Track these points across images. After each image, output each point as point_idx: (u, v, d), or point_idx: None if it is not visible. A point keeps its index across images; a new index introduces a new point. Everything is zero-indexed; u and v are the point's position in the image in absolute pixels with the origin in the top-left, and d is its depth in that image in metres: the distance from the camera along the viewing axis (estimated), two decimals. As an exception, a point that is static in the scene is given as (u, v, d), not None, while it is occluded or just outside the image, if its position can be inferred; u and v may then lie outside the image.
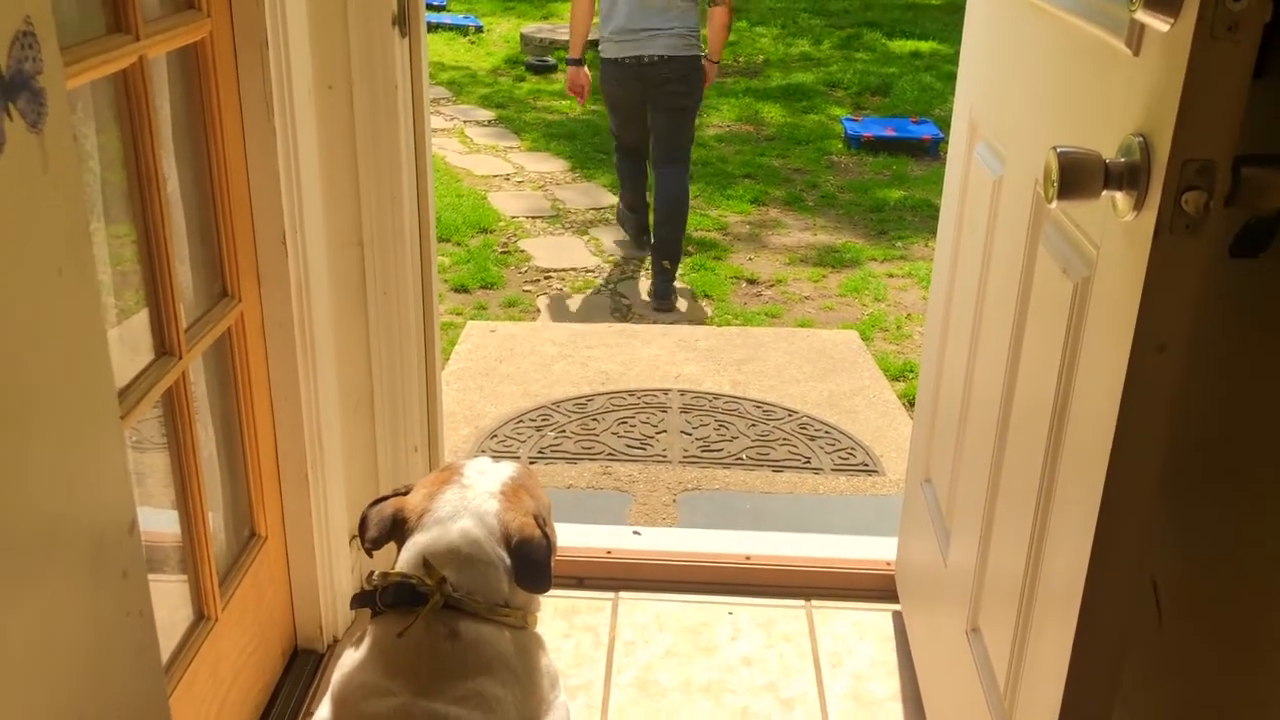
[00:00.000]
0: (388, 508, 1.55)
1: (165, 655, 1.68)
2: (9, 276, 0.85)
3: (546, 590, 1.50)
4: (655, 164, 4.93)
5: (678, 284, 4.99)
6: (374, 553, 1.58)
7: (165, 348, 1.64)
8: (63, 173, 0.89)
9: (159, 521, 1.74)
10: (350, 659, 1.46)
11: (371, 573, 1.49)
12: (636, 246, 5.41)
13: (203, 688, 1.76)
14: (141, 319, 1.64)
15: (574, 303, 4.89)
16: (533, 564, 1.48)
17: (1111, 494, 1.14)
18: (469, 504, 1.50)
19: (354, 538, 2.34)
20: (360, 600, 1.49)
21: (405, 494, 1.58)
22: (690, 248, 5.51)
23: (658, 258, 4.89)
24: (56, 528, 0.91)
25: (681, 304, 4.86)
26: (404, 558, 1.49)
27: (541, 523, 1.53)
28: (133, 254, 1.61)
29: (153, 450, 1.72)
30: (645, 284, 5.07)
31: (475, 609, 1.43)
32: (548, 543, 1.52)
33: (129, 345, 1.64)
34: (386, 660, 1.41)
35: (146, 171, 1.56)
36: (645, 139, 5.01)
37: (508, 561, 1.48)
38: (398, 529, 1.53)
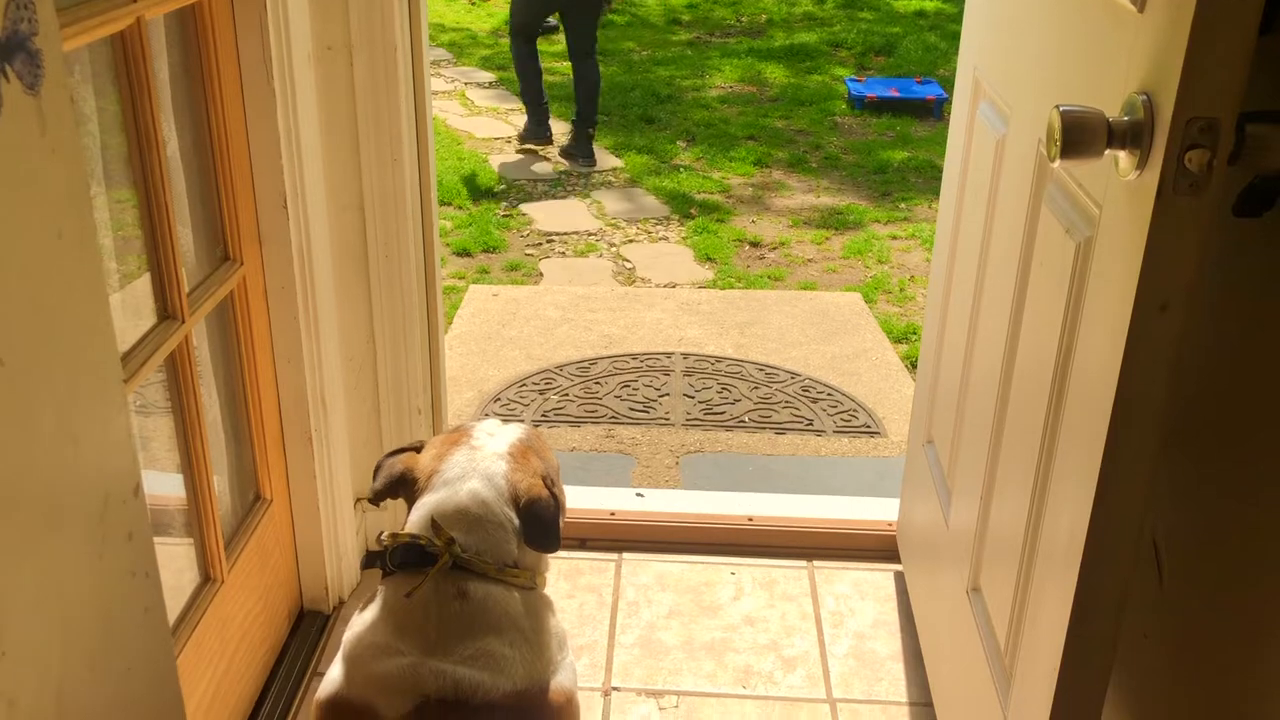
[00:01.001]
0: (398, 464, 1.55)
1: (172, 616, 1.69)
2: (9, 239, 0.85)
3: (555, 550, 1.51)
4: (577, 57, 6.18)
5: (674, 242, 4.99)
6: (380, 506, 1.59)
7: (168, 311, 1.65)
8: (61, 135, 0.89)
9: (165, 485, 1.75)
10: (360, 619, 1.47)
11: (381, 533, 1.50)
12: (542, 139, 6.36)
13: (210, 648, 1.78)
14: (144, 283, 1.64)
15: (576, 266, 4.88)
16: (542, 524, 1.49)
17: (1113, 454, 1.14)
18: (478, 465, 1.51)
19: (359, 500, 2.35)
20: (370, 561, 1.50)
21: (418, 449, 1.59)
22: (692, 210, 5.50)
23: (584, 127, 6.17)
24: (61, 490, 0.91)
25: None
26: (413, 518, 1.50)
27: (550, 483, 1.54)
28: (134, 218, 1.60)
29: (157, 414, 1.72)
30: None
31: (484, 569, 1.44)
32: (556, 503, 1.52)
33: (131, 309, 1.64)
34: (396, 620, 1.42)
35: (146, 135, 1.55)
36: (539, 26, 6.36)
37: (516, 522, 1.49)
38: (406, 487, 1.54)
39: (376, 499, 1.56)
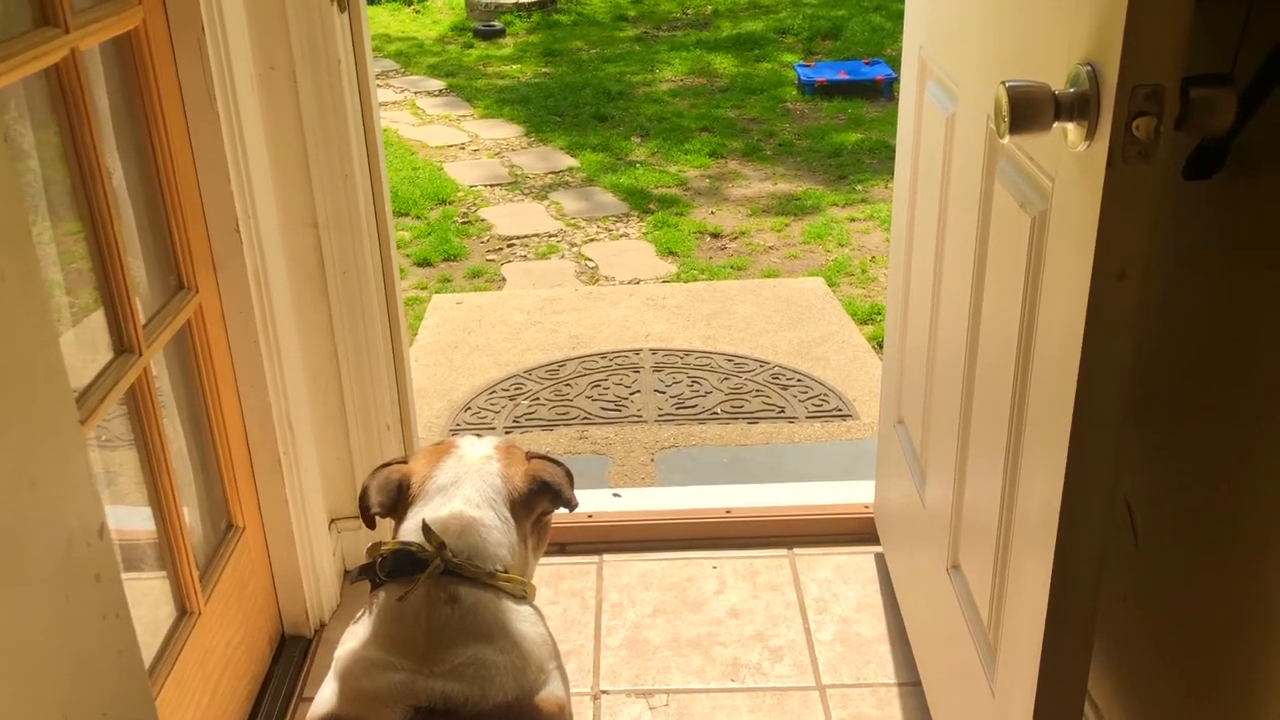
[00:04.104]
0: (393, 475, 1.54)
1: (151, 653, 1.67)
2: (-50, 286, 0.83)
3: (575, 506, 1.54)
4: None
5: (635, 238, 4.99)
6: (374, 526, 1.58)
7: (124, 345, 1.62)
8: (-4, 175, 0.87)
9: (134, 519, 1.72)
10: (352, 633, 1.46)
11: (372, 545, 1.48)
12: None
13: (192, 682, 1.76)
14: (98, 317, 1.61)
15: (539, 268, 4.86)
16: (556, 487, 1.53)
17: (1080, 422, 1.15)
18: (470, 468, 1.51)
19: (334, 521, 2.33)
20: (360, 574, 1.49)
21: (404, 463, 1.58)
22: (651, 205, 5.49)
23: None
24: (21, 537, 0.89)
25: None
26: (406, 526, 1.49)
27: (542, 455, 1.58)
28: (84, 251, 1.58)
29: (123, 448, 1.70)
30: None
31: (475, 574, 1.43)
32: (558, 464, 1.56)
33: (87, 344, 1.62)
34: (387, 631, 1.41)
35: (89, 167, 1.52)
36: None
37: (512, 522, 1.49)
38: (401, 497, 1.53)
39: (381, 514, 1.54)
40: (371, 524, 1.56)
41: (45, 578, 0.93)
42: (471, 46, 8.98)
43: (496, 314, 4.14)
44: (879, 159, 5.94)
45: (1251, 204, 1.29)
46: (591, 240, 5.15)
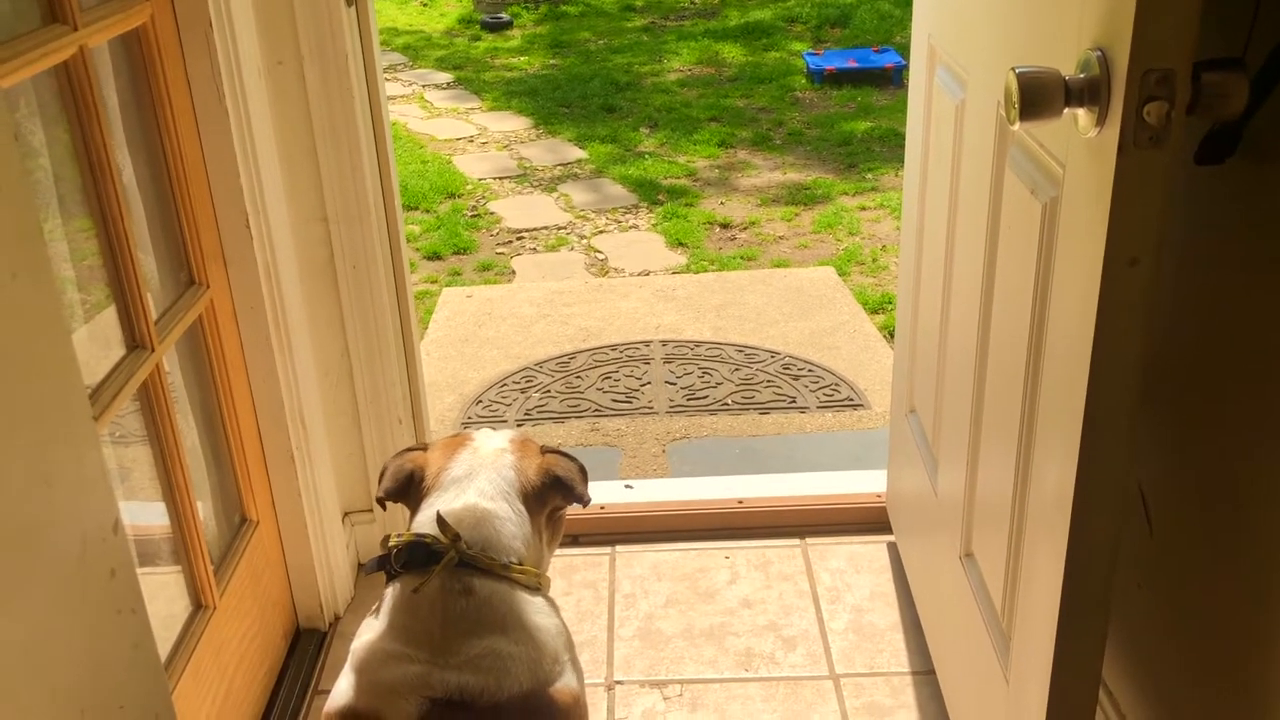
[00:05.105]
0: (407, 464, 1.55)
1: (166, 648, 1.68)
2: (-37, 284, 0.83)
3: (589, 501, 1.55)
4: None
5: (644, 230, 4.99)
6: (385, 508, 1.59)
7: (136, 341, 1.63)
8: (6, 175, 0.87)
9: (149, 515, 1.73)
10: (368, 625, 1.47)
11: (387, 536, 1.49)
12: None
13: (207, 676, 1.76)
14: (111, 314, 1.62)
15: (548, 261, 4.86)
16: (569, 482, 1.54)
17: (1093, 409, 1.14)
18: (485, 460, 1.52)
19: (347, 514, 2.34)
20: (375, 565, 1.50)
21: (424, 449, 1.59)
22: (660, 196, 5.48)
23: None
24: (37, 533, 0.90)
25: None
26: (420, 518, 1.50)
27: (557, 450, 1.59)
28: (95, 248, 1.58)
29: (137, 443, 1.70)
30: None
31: (489, 566, 1.44)
32: (572, 459, 1.57)
33: (100, 341, 1.62)
34: (403, 623, 1.42)
35: (99, 163, 1.53)
36: None
37: (526, 515, 1.50)
38: (414, 488, 1.54)
39: (385, 499, 1.55)
40: (382, 505, 1.57)
41: (61, 574, 0.93)
42: (479, 39, 8.98)
43: (507, 307, 4.14)
44: (889, 147, 5.92)
45: (1265, 188, 1.28)
46: (601, 232, 5.15)
